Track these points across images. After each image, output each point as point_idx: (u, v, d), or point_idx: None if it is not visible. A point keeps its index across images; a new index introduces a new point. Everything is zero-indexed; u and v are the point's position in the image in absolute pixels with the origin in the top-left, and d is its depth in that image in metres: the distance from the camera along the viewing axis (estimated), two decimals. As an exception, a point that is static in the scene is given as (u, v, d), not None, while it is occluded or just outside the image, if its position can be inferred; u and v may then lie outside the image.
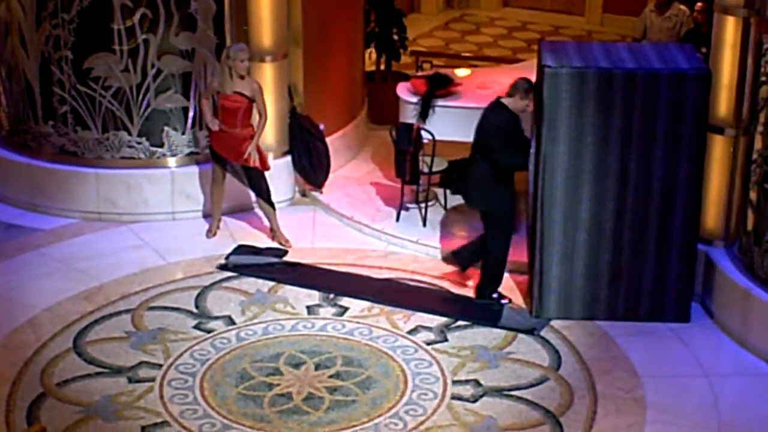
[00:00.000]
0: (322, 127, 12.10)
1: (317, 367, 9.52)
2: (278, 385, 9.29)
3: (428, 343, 9.86)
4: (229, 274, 10.92)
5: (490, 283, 10.37)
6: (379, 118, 13.85)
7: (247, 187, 11.44)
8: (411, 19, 16.97)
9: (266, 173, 11.28)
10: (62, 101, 11.70)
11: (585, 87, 9.65)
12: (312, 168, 12.12)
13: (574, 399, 9.16)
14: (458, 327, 10.12)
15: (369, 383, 9.32)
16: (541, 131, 9.81)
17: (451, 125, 11.75)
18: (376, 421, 8.90)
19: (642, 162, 9.78)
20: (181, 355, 9.66)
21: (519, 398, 9.17)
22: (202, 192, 11.88)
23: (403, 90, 12.27)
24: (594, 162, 9.81)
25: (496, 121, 10.00)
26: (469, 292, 10.59)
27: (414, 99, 11.92)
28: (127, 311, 10.27)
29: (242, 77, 10.96)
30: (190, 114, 11.81)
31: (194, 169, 11.91)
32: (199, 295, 10.57)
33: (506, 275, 10.86)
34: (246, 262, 11.05)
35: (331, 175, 12.27)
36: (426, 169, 11.65)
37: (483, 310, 10.34)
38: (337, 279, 10.85)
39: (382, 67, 14.75)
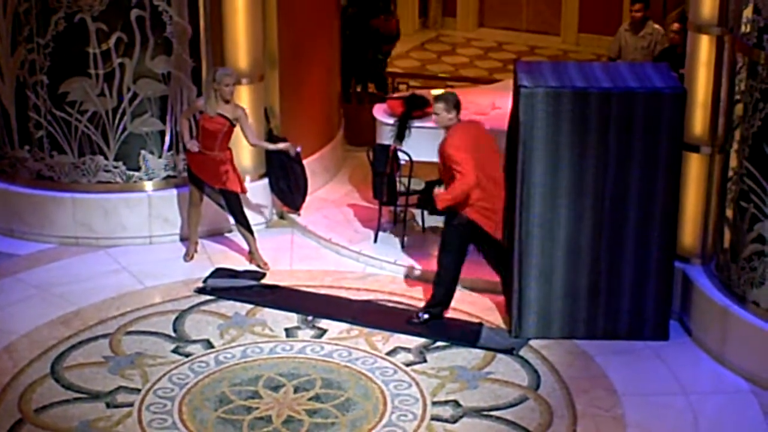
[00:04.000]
0: (299, 149, 12.10)
1: (296, 389, 9.50)
2: (257, 408, 9.26)
3: (407, 364, 9.85)
4: (207, 297, 10.89)
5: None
6: (355, 140, 13.87)
7: (225, 210, 11.43)
8: (387, 41, 17.00)
9: (243, 196, 11.29)
10: (38, 126, 11.67)
11: (561, 106, 9.68)
12: (289, 190, 12.11)
13: (554, 418, 9.16)
14: (437, 348, 10.11)
15: (348, 405, 9.30)
16: (518, 151, 9.83)
17: (428, 146, 11.71)
18: (356, 443, 8.90)
19: (618, 180, 9.81)
20: (159, 379, 9.62)
21: (499, 418, 9.16)
22: (179, 215, 11.86)
23: (379, 111, 12.28)
24: (571, 181, 9.83)
25: None
26: (449, 312, 10.59)
27: (390, 120, 11.93)
28: (104, 336, 10.23)
29: (227, 101, 10.96)
30: (167, 137, 11.79)
31: (171, 193, 11.89)
32: (177, 318, 10.53)
33: (486, 295, 10.89)
34: (224, 285, 11.03)
35: (308, 198, 12.26)
36: (403, 190, 11.65)
37: (461, 330, 10.33)
38: (316, 301, 10.83)
39: (359, 88, 14.77)
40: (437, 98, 10.16)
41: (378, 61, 14.70)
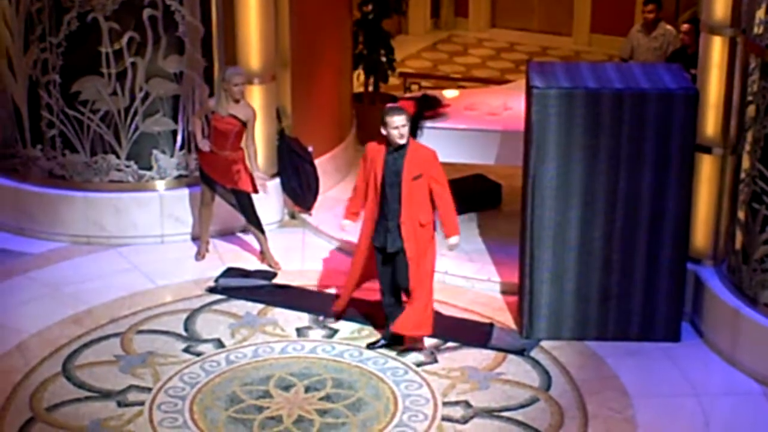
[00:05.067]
0: (310, 149, 12.10)
1: (307, 389, 9.50)
2: (268, 408, 9.26)
3: (418, 365, 9.85)
4: (219, 296, 10.90)
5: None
6: (367, 140, 13.75)
7: (236, 210, 11.43)
8: (399, 41, 17.02)
9: (254, 196, 11.29)
10: (50, 125, 11.69)
11: (573, 107, 9.67)
12: (301, 190, 12.11)
13: (565, 420, 9.15)
14: (448, 348, 10.10)
15: (359, 405, 9.30)
16: (530, 152, 9.82)
17: (440, 146, 11.70)
18: (367, 443, 8.90)
19: (630, 182, 9.80)
20: (170, 378, 9.63)
21: (509, 419, 9.15)
22: (190, 215, 11.87)
23: (391, 111, 12.25)
24: (583, 182, 9.82)
25: None
26: (460, 313, 10.59)
27: (402, 120, 11.91)
28: (116, 335, 10.24)
29: (237, 101, 10.96)
30: (179, 137, 11.81)
31: (183, 192, 11.90)
32: (188, 318, 10.54)
33: (497, 296, 10.89)
34: (235, 285, 11.03)
35: (320, 197, 12.26)
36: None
37: (473, 331, 10.33)
38: (327, 301, 10.82)
39: (371, 88, 14.79)
40: (398, 110, 9.60)
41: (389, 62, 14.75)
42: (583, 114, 9.68)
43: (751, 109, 9.70)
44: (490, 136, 11.75)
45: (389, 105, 10.06)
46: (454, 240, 9.75)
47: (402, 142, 9.58)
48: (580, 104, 9.67)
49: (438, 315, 10.49)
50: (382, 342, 10.04)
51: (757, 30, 9.52)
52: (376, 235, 9.78)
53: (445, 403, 9.34)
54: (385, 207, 9.67)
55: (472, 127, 11.85)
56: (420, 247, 9.67)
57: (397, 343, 10.01)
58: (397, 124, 9.53)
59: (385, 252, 9.78)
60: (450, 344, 10.15)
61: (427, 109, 11.91)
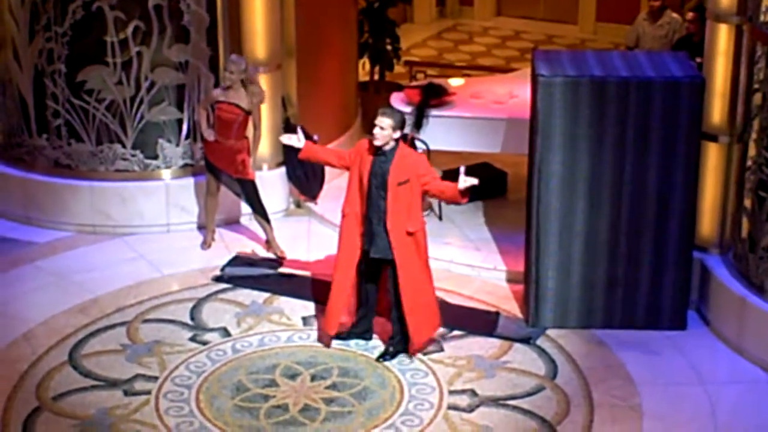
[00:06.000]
0: (316, 137, 12.08)
1: (313, 378, 9.51)
2: (274, 396, 9.28)
3: (424, 353, 9.84)
4: (225, 285, 10.91)
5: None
6: (373, 129, 13.82)
7: (242, 199, 11.43)
8: (404, 29, 17.00)
9: (260, 186, 11.29)
10: (56, 114, 11.69)
11: (579, 96, 9.66)
12: (306, 179, 12.10)
13: (571, 408, 9.16)
14: (454, 336, 10.11)
15: (365, 394, 9.31)
16: (536, 140, 9.82)
17: (445, 135, 11.76)
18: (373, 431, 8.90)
19: (637, 170, 9.79)
20: (176, 367, 9.64)
21: (515, 408, 9.16)
22: (196, 204, 11.87)
23: (396, 100, 12.27)
24: (589, 170, 9.81)
25: None
26: (466, 302, 10.60)
27: (408, 109, 11.89)
28: (122, 324, 10.25)
29: (228, 87, 10.93)
30: (185, 126, 11.81)
31: (189, 181, 11.90)
32: (194, 307, 10.55)
33: (503, 285, 10.89)
34: (241, 274, 11.04)
35: (325, 186, 12.25)
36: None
37: (479, 319, 10.33)
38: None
39: (376, 77, 14.78)
40: (386, 113, 9.39)
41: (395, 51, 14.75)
42: (588, 102, 9.67)
43: (757, 97, 9.68)
44: (496, 125, 11.75)
45: (384, 106, 9.80)
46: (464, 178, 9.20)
47: (377, 143, 9.33)
48: (585, 92, 9.65)
49: (444, 304, 10.50)
50: (391, 350, 9.85)
51: (764, 17, 9.50)
52: (363, 238, 9.56)
53: (451, 392, 9.34)
54: (369, 209, 9.47)
55: (477, 116, 11.85)
56: (407, 256, 9.48)
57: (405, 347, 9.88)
58: (377, 123, 9.32)
59: (367, 256, 9.58)
60: (456, 333, 10.15)
61: (432, 98, 11.88)
